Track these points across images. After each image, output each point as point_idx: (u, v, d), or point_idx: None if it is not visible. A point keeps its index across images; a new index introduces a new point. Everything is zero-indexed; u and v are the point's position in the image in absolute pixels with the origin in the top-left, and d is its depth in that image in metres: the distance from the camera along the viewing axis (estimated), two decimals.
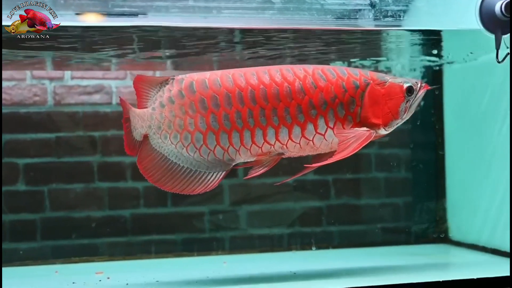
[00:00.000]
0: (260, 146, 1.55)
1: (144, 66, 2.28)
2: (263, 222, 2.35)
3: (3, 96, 2.19)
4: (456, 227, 2.30)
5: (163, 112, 1.56)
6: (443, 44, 2.07)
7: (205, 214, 2.32)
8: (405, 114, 1.60)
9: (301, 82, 1.54)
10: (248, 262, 2.11)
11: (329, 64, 2.26)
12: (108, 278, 1.82)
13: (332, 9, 1.72)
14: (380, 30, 1.86)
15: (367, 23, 1.80)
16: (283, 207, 2.37)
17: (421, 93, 1.60)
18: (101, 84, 2.28)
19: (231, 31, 1.82)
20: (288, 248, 2.35)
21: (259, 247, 2.32)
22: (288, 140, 1.55)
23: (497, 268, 1.84)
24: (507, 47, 1.66)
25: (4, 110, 2.19)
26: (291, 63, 2.29)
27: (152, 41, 1.92)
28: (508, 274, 1.68)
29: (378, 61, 2.25)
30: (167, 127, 1.55)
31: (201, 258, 2.20)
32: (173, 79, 1.57)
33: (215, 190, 2.28)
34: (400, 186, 2.43)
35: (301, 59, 2.17)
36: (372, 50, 2.13)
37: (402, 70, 2.31)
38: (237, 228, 2.33)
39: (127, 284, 1.72)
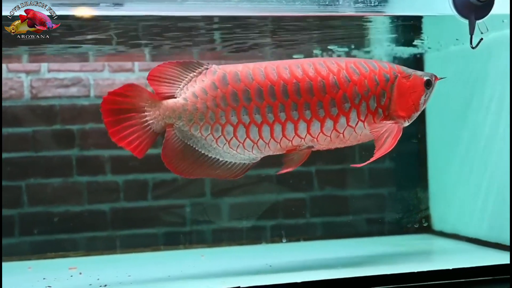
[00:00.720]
0: (291, 139, 1.55)
1: (122, 58, 2.25)
2: (245, 214, 2.31)
3: None
4: (438, 216, 2.27)
5: (196, 103, 1.52)
6: (423, 31, 2.03)
7: (186, 207, 2.28)
8: (423, 107, 1.64)
9: (335, 76, 1.54)
10: (228, 255, 2.08)
11: (311, 52, 2.23)
12: (80, 273, 1.79)
13: None
14: (361, 15, 1.82)
15: (347, 9, 1.76)
16: (265, 199, 2.33)
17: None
18: (78, 76, 2.25)
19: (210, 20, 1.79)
20: (271, 240, 2.31)
21: (240, 239, 2.28)
22: (319, 133, 1.55)
23: (479, 258, 1.83)
24: (482, 33, 1.62)
25: None
26: (272, 52, 2.25)
27: (130, 31, 1.88)
28: (489, 263, 1.66)
29: (355, 49, 2.20)
30: (199, 119, 1.52)
31: (179, 252, 2.17)
32: (207, 69, 1.53)
33: (197, 183, 2.28)
34: (383, 177, 2.39)
35: (279, 47, 2.13)
36: (352, 37, 2.08)
37: (382, 57, 2.26)
38: (218, 221, 2.29)
39: (98, 279, 1.69)
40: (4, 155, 2.17)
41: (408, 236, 2.28)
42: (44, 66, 2.22)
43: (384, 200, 2.39)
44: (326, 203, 2.37)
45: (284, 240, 2.28)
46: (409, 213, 2.33)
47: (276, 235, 2.31)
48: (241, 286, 1.50)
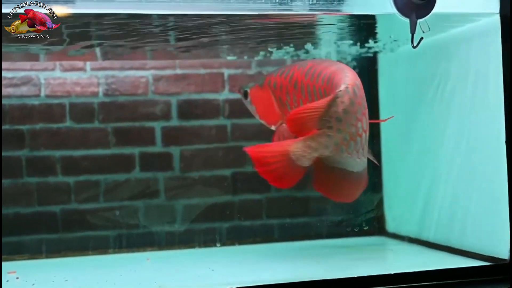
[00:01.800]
0: None
1: (73, 57, 2.21)
2: (199, 216, 2.27)
3: None
4: (392, 219, 2.23)
5: (340, 127, 1.46)
6: (377, 30, 1.99)
7: (140, 209, 2.24)
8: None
9: None
10: (176, 258, 2.04)
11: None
12: (17, 278, 1.75)
13: None
14: (315, 14, 1.78)
15: (301, 8, 1.73)
16: (221, 201, 2.30)
17: None
18: (28, 75, 2.20)
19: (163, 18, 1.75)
20: (228, 242, 2.28)
21: (191, 242, 2.24)
22: None
23: (427, 261, 1.81)
24: (423, 32, 1.58)
25: None
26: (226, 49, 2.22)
27: (81, 30, 1.84)
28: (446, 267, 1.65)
29: (304, 50, 2.16)
30: (343, 139, 1.47)
31: (125, 255, 2.13)
32: (341, 91, 1.44)
33: (151, 184, 2.25)
34: None
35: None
36: (302, 37, 2.04)
37: (334, 58, 2.22)
38: (170, 223, 2.25)
39: (33, 284, 1.66)
40: None
41: (361, 238, 2.24)
42: None
43: (337, 202, 2.34)
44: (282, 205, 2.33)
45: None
46: (362, 215, 2.29)
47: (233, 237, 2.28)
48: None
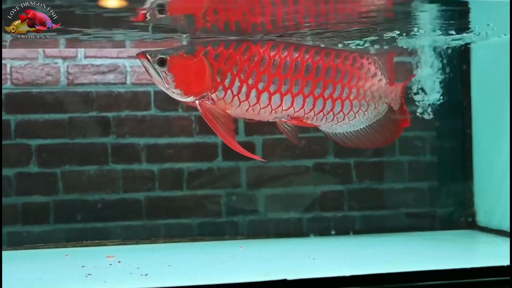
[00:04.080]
0: None
1: (157, 45, 2.21)
2: (281, 206, 2.27)
3: (15, 75, 2.14)
4: (483, 212, 2.20)
5: None
6: (470, 18, 1.96)
7: (222, 197, 2.24)
8: None
9: None
10: (265, 247, 2.03)
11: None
12: (119, 262, 1.76)
13: None
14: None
15: None
16: (302, 191, 2.29)
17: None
18: (115, 63, 2.21)
19: None
20: (307, 233, 2.27)
21: (276, 231, 2.24)
22: None
23: None
24: None
25: (15, 90, 2.14)
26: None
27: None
28: None
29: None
30: None
31: (216, 242, 2.13)
32: None
33: (233, 172, 2.25)
34: (425, 170, 2.33)
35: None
36: (394, 25, 2.02)
37: (426, 46, 2.20)
38: (255, 212, 2.25)
39: (138, 268, 1.66)
40: (40, 141, 2.15)
41: (451, 231, 2.21)
42: (81, 52, 2.19)
43: (424, 195, 2.33)
44: (364, 196, 2.32)
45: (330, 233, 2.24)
46: (453, 208, 2.27)
47: (314, 228, 2.27)
48: (287, 279, 1.46)
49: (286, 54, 1.69)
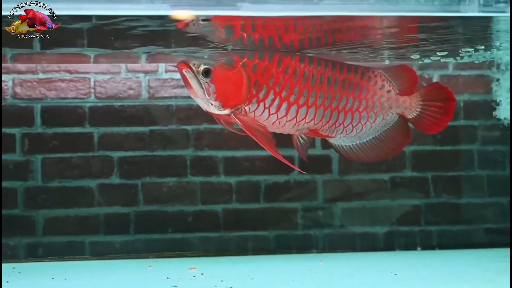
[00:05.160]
0: None
1: None
2: (357, 219, 2.27)
3: (99, 89, 2.20)
4: None
5: None
6: None
7: (298, 210, 2.26)
8: None
9: None
10: (344, 261, 2.03)
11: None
12: (202, 274, 1.79)
13: None
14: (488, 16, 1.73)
15: (471, 9, 1.69)
16: (379, 205, 2.28)
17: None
18: None
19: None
20: (385, 247, 2.26)
21: (354, 245, 2.24)
22: None
23: None
24: None
25: (98, 104, 2.20)
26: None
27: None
28: None
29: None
30: None
31: (295, 256, 2.14)
32: None
33: (309, 185, 2.26)
34: (504, 184, 2.28)
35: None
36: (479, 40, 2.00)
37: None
38: (331, 225, 2.25)
39: (221, 281, 1.68)
40: (122, 153, 2.21)
41: None
42: (161, 66, 2.24)
43: (504, 210, 2.28)
44: (441, 211, 2.29)
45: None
46: None
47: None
48: None
49: (312, 67, 1.67)
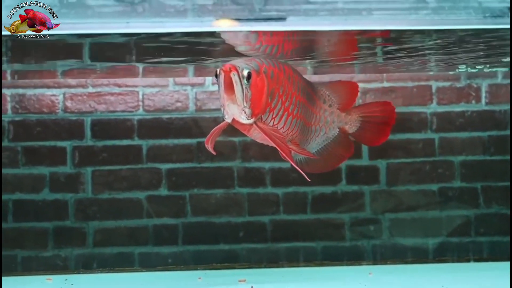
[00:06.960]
0: None
1: None
2: (405, 231, 2.25)
3: (147, 102, 2.23)
4: None
5: None
6: None
7: (345, 221, 2.25)
8: None
9: None
10: (394, 274, 2.01)
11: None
12: (252, 286, 1.79)
13: (490, 7, 1.60)
14: None
15: None
16: (427, 216, 2.26)
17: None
18: None
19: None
20: (433, 259, 2.24)
21: (401, 257, 2.22)
22: None
23: None
24: None
25: (147, 116, 2.23)
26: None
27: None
28: None
29: None
30: None
31: (341, 267, 2.13)
32: None
33: (357, 196, 2.25)
34: None
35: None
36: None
37: None
38: (379, 236, 2.24)
39: None
40: (170, 165, 2.23)
41: None
42: (208, 79, 2.25)
43: None
44: (491, 222, 2.26)
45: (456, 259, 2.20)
46: None
47: (440, 254, 2.23)
48: None
49: (298, 76, 1.59)
